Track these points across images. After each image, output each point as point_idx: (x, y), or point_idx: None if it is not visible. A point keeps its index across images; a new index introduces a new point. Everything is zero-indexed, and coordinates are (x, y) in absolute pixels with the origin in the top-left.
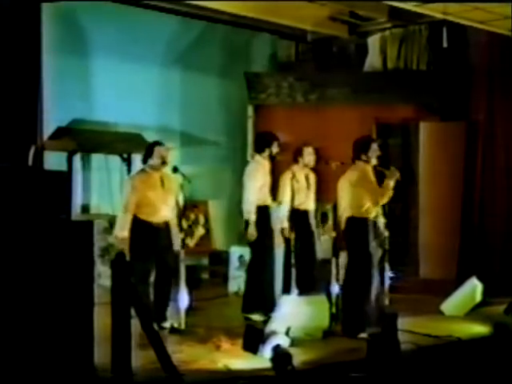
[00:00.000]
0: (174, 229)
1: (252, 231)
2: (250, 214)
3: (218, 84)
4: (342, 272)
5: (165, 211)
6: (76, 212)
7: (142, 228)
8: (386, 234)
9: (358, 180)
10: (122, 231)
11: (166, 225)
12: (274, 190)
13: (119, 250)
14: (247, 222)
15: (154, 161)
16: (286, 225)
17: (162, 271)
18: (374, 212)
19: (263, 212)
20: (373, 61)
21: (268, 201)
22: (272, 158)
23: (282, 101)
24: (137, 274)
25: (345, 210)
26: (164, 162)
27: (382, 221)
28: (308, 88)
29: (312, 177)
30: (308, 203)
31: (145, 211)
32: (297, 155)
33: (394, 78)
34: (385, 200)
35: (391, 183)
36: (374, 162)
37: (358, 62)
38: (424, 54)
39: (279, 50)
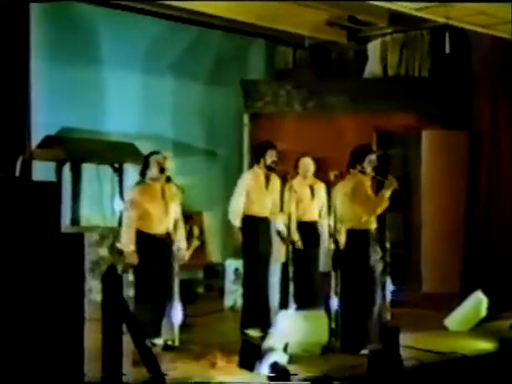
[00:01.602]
0: (180, 241)
1: (238, 236)
2: (234, 220)
3: (212, 92)
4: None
5: (166, 223)
6: (65, 224)
7: (145, 241)
8: (387, 246)
9: (351, 191)
10: (129, 245)
11: (168, 236)
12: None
13: (128, 263)
14: (243, 233)
15: (153, 171)
16: (296, 237)
17: (160, 285)
18: (375, 223)
19: (259, 224)
20: (373, 67)
21: (265, 212)
22: (270, 168)
23: (279, 109)
24: (140, 288)
25: (342, 222)
26: (163, 170)
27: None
28: (306, 96)
29: (318, 187)
30: (311, 214)
31: (146, 224)
32: (295, 166)
33: (394, 85)
34: (379, 210)
35: (388, 193)
36: (369, 172)
37: (357, 68)
38: (426, 61)
39: (276, 57)
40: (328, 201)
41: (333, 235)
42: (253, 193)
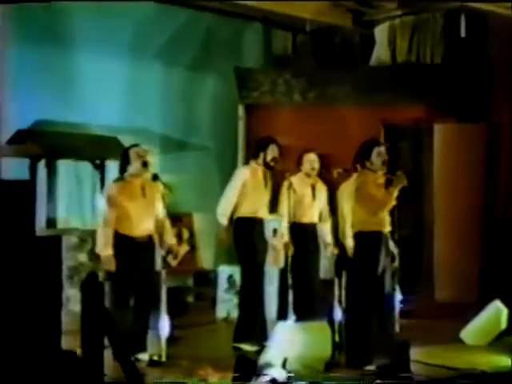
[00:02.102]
0: (167, 243)
1: (223, 235)
2: (221, 217)
3: (203, 81)
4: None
5: (147, 224)
6: (41, 226)
7: (124, 244)
8: (396, 250)
9: (358, 190)
10: (106, 248)
11: (149, 239)
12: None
13: (104, 270)
14: (237, 236)
15: (134, 166)
16: (286, 239)
17: (142, 294)
18: (387, 225)
19: (254, 225)
20: (380, 54)
21: (261, 213)
22: (268, 165)
23: (277, 100)
24: (117, 296)
25: (348, 224)
26: (145, 164)
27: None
28: (306, 85)
29: (320, 187)
30: (312, 216)
31: (126, 225)
32: (297, 163)
33: (404, 73)
34: (386, 210)
35: (396, 191)
36: (379, 167)
37: (363, 55)
38: (439, 46)
39: (274, 43)
40: (329, 202)
41: (337, 239)
42: (250, 191)
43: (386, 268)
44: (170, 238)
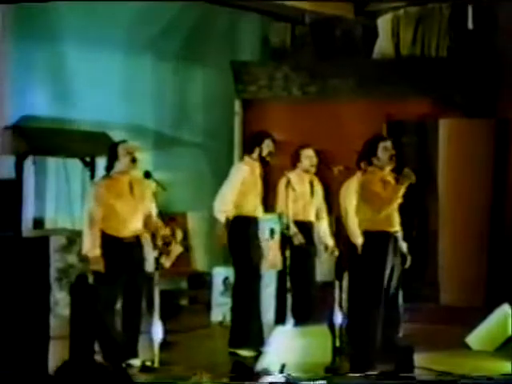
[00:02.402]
0: (148, 245)
1: (222, 234)
2: (221, 214)
3: (198, 75)
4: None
5: (135, 223)
6: (28, 227)
7: (110, 245)
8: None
9: (363, 188)
10: (94, 249)
11: (138, 240)
12: (266, 200)
13: (91, 271)
14: (231, 236)
15: (121, 162)
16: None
17: (131, 296)
18: (396, 225)
19: (249, 225)
20: (383, 46)
21: (256, 212)
22: (264, 161)
23: (275, 94)
24: (103, 300)
25: (357, 223)
26: (134, 160)
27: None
28: (306, 79)
29: (317, 184)
30: (309, 214)
31: (113, 225)
32: (294, 159)
33: (408, 66)
34: (390, 208)
35: (402, 188)
36: (386, 163)
37: (365, 47)
38: (445, 38)
39: (272, 35)
40: (327, 200)
41: (338, 239)
42: (248, 188)
43: (393, 270)
44: (159, 240)
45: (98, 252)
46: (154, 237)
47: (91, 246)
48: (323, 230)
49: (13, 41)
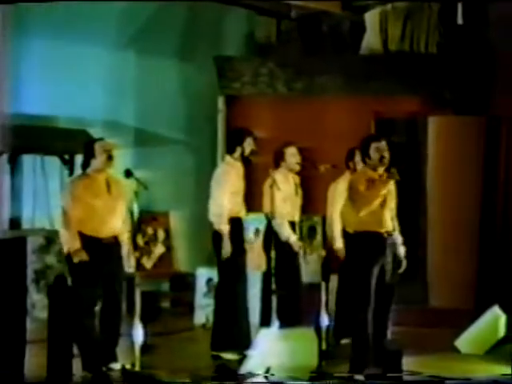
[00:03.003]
0: (126, 246)
1: (227, 246)
2: (222, 225)
3: (180, 70)
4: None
5: (114, 223)
6: (3, 228)
7: (88, 246)
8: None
9: (351, 188)
10: (74, 242)
11: (116, 240)
12: (250, 200)
13: (70, 270)
14: (216, 236)
15: (98, 159)
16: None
17: (110, 298)
18: (386, 225)
19: (235, 225)
20: (371, 42)
21: (241, 212)
22: (246, 160)
23: (260, 91)
24: (83, 302)
25: (340, 224)
26: (110, 158)
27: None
28: (292, 75)
29: (298, 181)
30: (294, 214)
31: (90, 225)
32: (278, 158)
33: (397, 63)
34: (370, 207)
35: (384, 187)
36: (378, 165)
37: (353, 43)
38: (434, 34)
39: (257, 29)
40: (313, 199)
41: (324, 239)
42: (234, 190)
43: (385, 272)
44: (125, 244)
45: (77, 244)
46: (134, 237)
47: (71, 241)
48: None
49: None
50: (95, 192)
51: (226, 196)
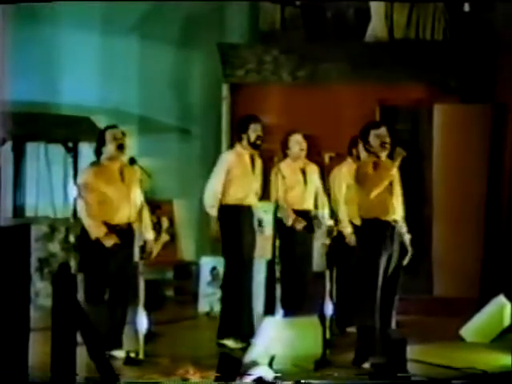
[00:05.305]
0: (145, 233)
1: (215, 227)
2: (209, 208)
3: (184, 58)
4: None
5: (128, 210)
6: (7, 215)
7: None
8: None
9: (357, 173)
10: (100, 228)
11: (129, 227)
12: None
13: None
14: (221, 224)
15: (108, 148)
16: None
17: (118, 286)
18: (394, 213)
19: (241, 213)
20: (376, 29)
21: (249, 200)
22: (255, 146)
23: (264, 78)
24: (93, 290)
25: (347, 211)
26: (121, 147)
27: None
28: (296, 63)
29: (311, 170)
30: (304, 203)
31: (105, 212)
32: (283, 146)
33: (402, 50)
34: (380, 188)
35: (394, 167)
36: (378, 150)
37: (357, 30)
38: (440, 21)
39: (261, 16)
40: (323, 187)
41: (329, 227)
42: (236, 177)
43: (390, 260)
44: (148, 230)
45: (104, 229)
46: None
47: (96, 228)
48: (322, 218)
49: None
50: (108, 180)
51: (219, 181)
